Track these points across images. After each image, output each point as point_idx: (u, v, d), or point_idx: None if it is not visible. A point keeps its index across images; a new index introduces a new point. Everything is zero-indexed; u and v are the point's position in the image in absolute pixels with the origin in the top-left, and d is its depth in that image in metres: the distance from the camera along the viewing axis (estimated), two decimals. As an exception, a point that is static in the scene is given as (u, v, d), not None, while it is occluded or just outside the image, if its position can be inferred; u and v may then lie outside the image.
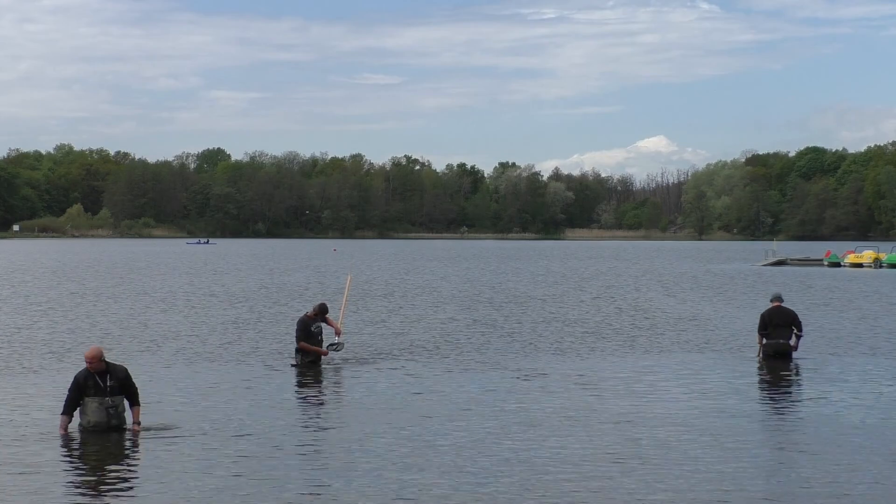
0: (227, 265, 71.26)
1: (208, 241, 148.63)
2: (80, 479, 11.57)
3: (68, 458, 12.51)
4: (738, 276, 58.73)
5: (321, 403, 16.45)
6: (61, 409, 13.56)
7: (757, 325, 21.48)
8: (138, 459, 12.51)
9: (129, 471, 11.96)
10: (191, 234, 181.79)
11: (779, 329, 20.84)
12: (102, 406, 13.45)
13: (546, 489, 11.02)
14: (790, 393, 17.58)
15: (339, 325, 20.97)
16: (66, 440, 13.18)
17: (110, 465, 12.17)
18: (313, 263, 75.39)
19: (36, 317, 30.31)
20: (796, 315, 21.29)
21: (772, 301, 21.42)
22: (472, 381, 18.36)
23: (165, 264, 71.60)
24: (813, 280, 54.86)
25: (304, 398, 16.95)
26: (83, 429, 13.45)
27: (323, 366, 19.95)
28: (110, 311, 32.54)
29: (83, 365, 13.70)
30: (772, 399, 17.12)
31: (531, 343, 24.34)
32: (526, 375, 19.12)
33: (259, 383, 18.12)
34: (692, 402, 16.25)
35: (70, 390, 13.51)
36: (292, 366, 20.00)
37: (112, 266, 67.16)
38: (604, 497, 10.78)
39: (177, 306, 34.55)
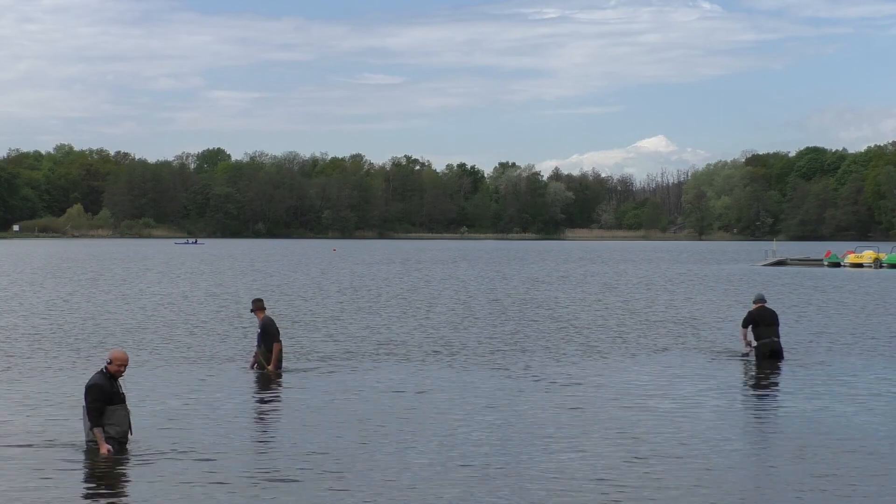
0: (190, 268, 71.14)
1: (196, 242, 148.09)
2: None
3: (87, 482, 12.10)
4: (739, 277, 58.69)
5: (296, 412, 16.23)
6: (91, 423, 12.42)
7: (742, 320, 21.67)
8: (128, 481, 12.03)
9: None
10: (191, 235, 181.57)
11: (770, 328, 21.18)
12: (127, 415, 12.61)
13: (539, 495, 10.98)
14: (789, 395, 17.48)
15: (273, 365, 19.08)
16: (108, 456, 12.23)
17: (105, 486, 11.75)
18: (290, 265, 75.27)
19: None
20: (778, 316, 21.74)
21: (755, 302, 21.66)
22: (469, 383, 18.31)
23: (138, 266, 71.51)
24: (813, 280, 54.81)
25: (278, 408, 16.67)
26: (89, 441, 12.50)
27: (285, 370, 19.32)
28: (73, 314, 32.49)
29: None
30: (771, 401, 17.05)
31: (528, 345, 24.29)
32: (521, 377, 19.08)
33: (232, 393, 17.98)
34: (688, 404, 16.22)
35: (95, 399, 12.38)
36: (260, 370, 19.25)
37: (90, 267, 67.06)
38: (601, 499, 10.77)
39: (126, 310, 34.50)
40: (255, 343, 19.61)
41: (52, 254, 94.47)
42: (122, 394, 12.67)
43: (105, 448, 12.26)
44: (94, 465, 12.03)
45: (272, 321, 19.42)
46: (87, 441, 12.57)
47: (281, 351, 19.28)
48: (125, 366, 12.71)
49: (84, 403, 12.59)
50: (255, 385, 18.06)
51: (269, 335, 19.11)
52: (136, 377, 17.88)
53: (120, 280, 50.62)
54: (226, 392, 17.21)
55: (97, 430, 12.33)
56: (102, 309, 33.21)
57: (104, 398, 12.40)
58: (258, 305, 19.31)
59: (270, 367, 18.89)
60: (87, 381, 12.89)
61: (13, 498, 10.71)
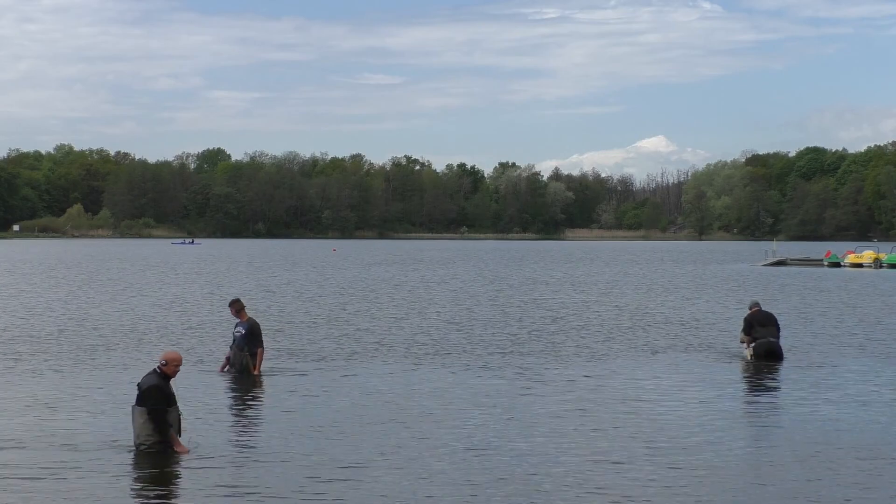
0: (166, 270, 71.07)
1: (193, 242, 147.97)
2: None
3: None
4: (739, 277, 58.66)
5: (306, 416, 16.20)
6: (155, 427, 12.30)
7: (742, 329, 21.68)
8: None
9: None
10: (190, 235, 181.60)
11: (765, 328, 21.14)
12: (179, 417, 12.59)
13: (539, 499, 10.93)
14: (790, 396, 17.41)
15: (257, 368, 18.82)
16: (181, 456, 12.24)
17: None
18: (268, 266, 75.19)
19: None
20: (776, 318, 21.76)
21: (750, 308, 21.65)
22: (469, 385, 18.25)
23: (135, 266, 71.49)
24: (814, 281, 54.79)
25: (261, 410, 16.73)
26: (141, 444, 12.36)
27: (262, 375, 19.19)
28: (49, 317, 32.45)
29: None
30: (771, 402, 17.00)
31: (527, 346, 24.22)
32: (520, 378, 19.03)
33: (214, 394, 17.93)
34: (689, 405, 16.17)
35: (157, 401, 12.34)
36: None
37: (87, 268, 67.02)
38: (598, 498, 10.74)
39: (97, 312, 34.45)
40: (235, 344, 18.96)
41: (51, 254, 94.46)
42: (174, 394, 12.69)
43: (184, 448, 12.29)
44: (122, 467, 11.94)
45: (258, 324, 19.25)
46: (138, 444, 12.39)
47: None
48: (180, 366, 12.75)
49: (138, 404, 12.44)
50: (251, 387, 17.94)
51: (255, 337, 18.87)
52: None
53: (116, 280, 50.57)
54: (224, 394, 17.18)
55: (172, 433, 12.33)
56: (99, 310, 33.15)
57: (164, 400, 12.39)
58: (240, 306, 19.10)
59: (256, 371, 18.70)
60: (140, 380, 12.78)
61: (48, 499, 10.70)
